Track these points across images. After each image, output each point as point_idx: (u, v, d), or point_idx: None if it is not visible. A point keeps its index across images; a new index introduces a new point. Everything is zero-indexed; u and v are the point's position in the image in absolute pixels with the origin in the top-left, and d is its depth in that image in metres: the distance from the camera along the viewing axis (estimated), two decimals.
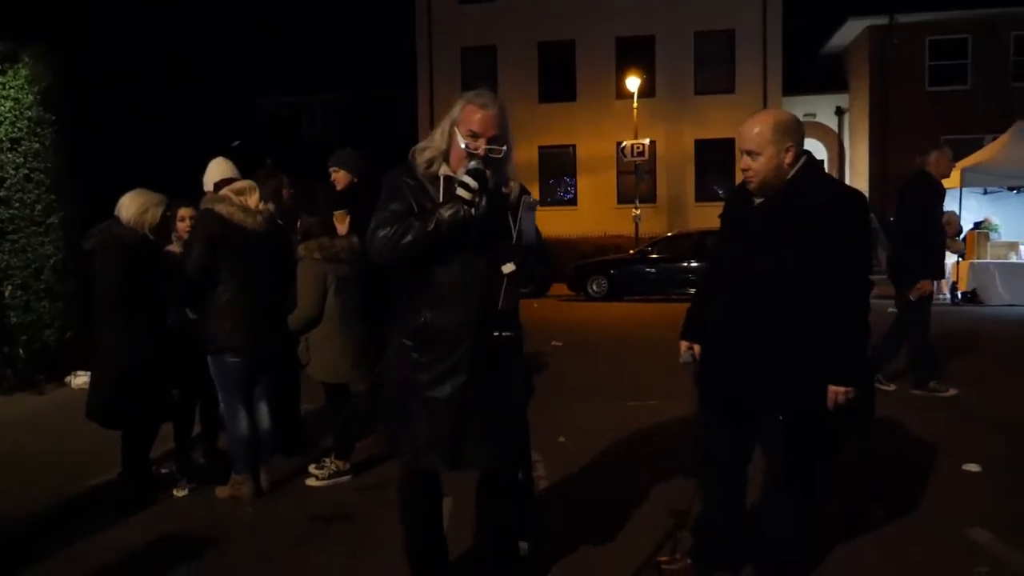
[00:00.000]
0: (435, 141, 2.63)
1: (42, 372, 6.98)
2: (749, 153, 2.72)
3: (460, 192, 2.49)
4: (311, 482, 4.39)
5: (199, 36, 24.85)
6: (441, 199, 2.55)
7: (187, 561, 3.39)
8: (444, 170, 2.61)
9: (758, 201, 2.79)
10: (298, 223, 4.76)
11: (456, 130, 2.58)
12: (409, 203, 2.56)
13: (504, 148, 2.58)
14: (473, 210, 2.50)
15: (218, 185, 4.36)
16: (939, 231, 6.31)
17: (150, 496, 4.17)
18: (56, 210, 7.15)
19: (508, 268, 2.55)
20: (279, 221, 4.38)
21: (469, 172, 2.50)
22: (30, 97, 7.04)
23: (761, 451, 2.92)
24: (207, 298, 4.04)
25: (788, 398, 2.69)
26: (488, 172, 2.53)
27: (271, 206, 4.26)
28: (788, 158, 2.69)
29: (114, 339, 4.11)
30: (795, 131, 2.71)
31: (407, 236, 2.48)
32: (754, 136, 2.70)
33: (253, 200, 4.09)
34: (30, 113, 7.03)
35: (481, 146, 2.54)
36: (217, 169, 4.66)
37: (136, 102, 20.74)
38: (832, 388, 2.63)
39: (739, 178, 3.00)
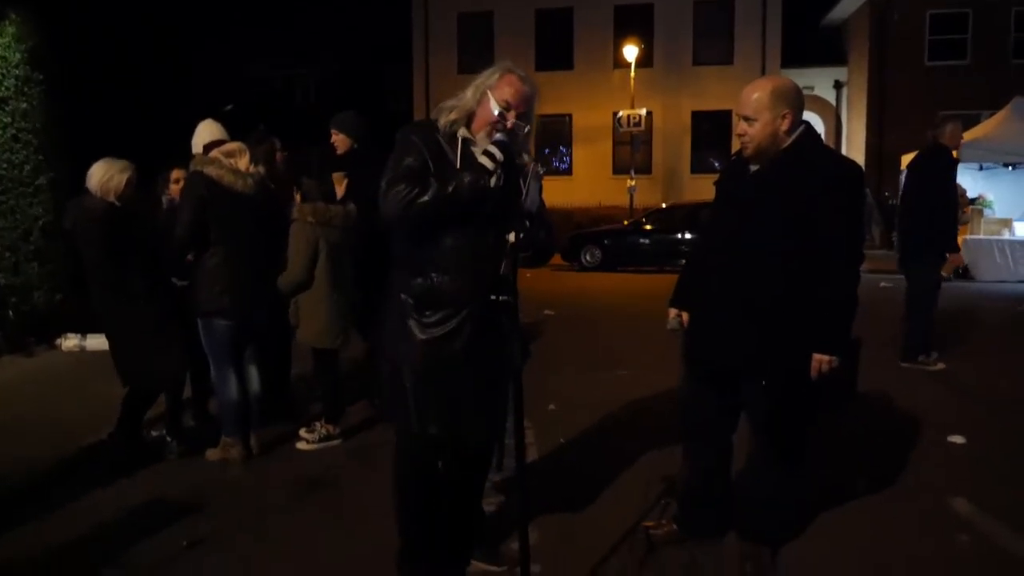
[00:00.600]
0: (465, 100, 2.58)
1: (32, 335, 6.96)
2: (746, 118, 2.71)
3: (484, 160, 2.49)
4: (301, 446, 4.41)
5: (193, 3, 24.48)
6: (458, 161, 2.53)
7: (175, 523, 3.40)
8: (464, 132, 2.58)
9: (753, 169, 2.78)
10: (294, 188, 4.71)
11: (490, 95, 2.54)
12: (424, 160, 2.52)
13: (528, 126, 2.59)
14: (493, 180, 2.48)
15: (207, 147, 4.31)
16: (956, 204, 6.27)
17: (140, 457, 4.18)
18: (45, 171, 7.08)
19: (513, 236, 2.53)
20: (271, 185, 4.34)
21: (496, 143, 2.49)
22: (17, 55, 6.93)
23: (747, 420, 2.93)
24: (197, 262, 4.02)
25: (773, 363, 2.70)
26: (526, 163, 2.54)
27: (262, 169, 4.22)
28: (784, 125, 2.68)
29: (107, 308, 4.12)
30: (793, 98, 2.70)
31: (424, 196, 2.45)
32: (752, 101, 2.70)
33: (243, 162, 4.05)
34: (17, 72, 6.93)
35: (511, 118, 2.53)
36: (207, 131, 4.61)
37: (127, 64, 20.47)
38: (816, 356, 2.65)
39: (735, 148, 3.00)
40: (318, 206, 4.41)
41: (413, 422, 2.61)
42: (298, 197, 4.53)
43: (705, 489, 3.04)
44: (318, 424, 4.49)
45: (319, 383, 4.73)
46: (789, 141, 2.70)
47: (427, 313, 2.56)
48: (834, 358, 2.64)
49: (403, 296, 2.60)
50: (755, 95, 2.70)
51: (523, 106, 2.56)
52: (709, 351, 2.87)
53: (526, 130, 2.59)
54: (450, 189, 2.46)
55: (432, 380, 2.58)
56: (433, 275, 2.55)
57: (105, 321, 4.21)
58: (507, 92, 2.54)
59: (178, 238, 3.98)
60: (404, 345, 2.59)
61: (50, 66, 7.27)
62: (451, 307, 2.55)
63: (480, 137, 2.56)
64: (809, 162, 2.69)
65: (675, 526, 3.13)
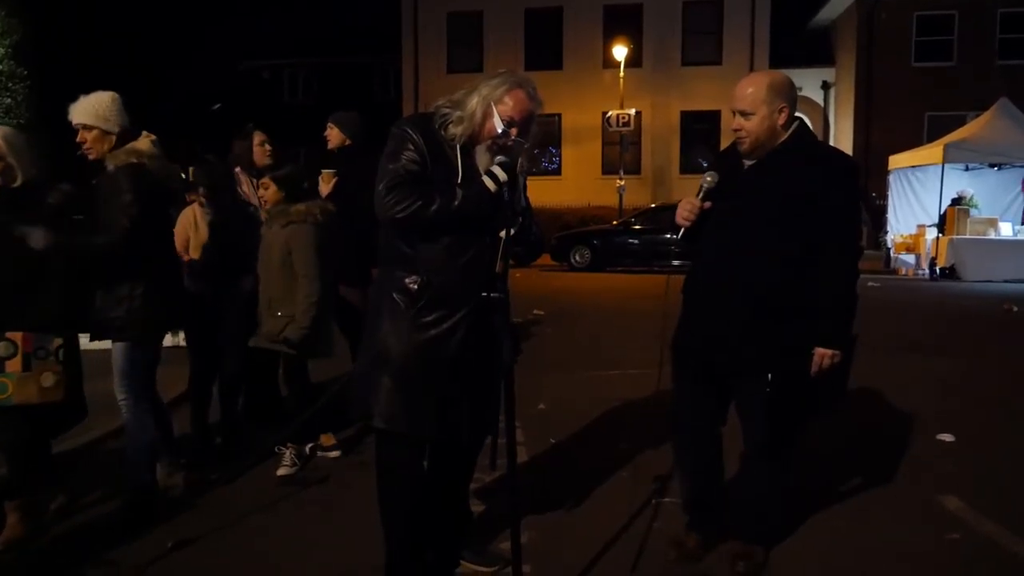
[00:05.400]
0: (469, 111, 2.52)
1: None
2: (743, 113, 2.68)
3: (487, 181, 2.47)
4: (281, 472, 3.97)
5: None
6: (459, 166, 2.51)
7: (161, 523, 3.35)
8: (465, 137, 2.53)
9: (749, 163, 2.76)
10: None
11: (495, 110, 2.50)
12: (424, 160, 2.49)
13: (527, 144, 2.58)
14: (497, 198, 2.47)
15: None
16: None
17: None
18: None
19: (504, 233, 2.52)
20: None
21: (501, 165, 2.48)
22: (1, 50, 6.85)
23: (738, 417, 2.89)
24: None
25: (773, 359, 2.67)
26: (519, 163, 2.53)
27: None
28: (781, 119, 2.66)
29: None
30: (789, 92, 2.69)
31: (427, 209, 2.43)
32: (748, 95, 2.67)
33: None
34: (1, 67, 6.85)
35: (513, 135, 2.52)
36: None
37: (113, 58, 20.32)
38: (819, 351, 2.64)
39: (725, 147, 2.96)
40: (324, 205, 4.19)
41: (403, 423, 2.56)
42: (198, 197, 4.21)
43: (697, 487, 3.01)
44: (285, 451, 4.03)
45: (291, 396, 4.21)
46: (786, 135, 2.69)
47: (422, 313, 2.52)
48: (836, 352, 2.64)
49: (396, 296, 2.55)
50: (750, 89, 2.68)
51: (527, 123, 2.56)
52: (701, 345, 2.82)
53: (526, 146, 2.58)
54: (454, 205, 2.44)
55: (426, 380, 2.54)
56: (429, 275, 2.51)
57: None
58: (513, 109, 2.51)
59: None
60: (396, 346, 2.54)
61: (34, 61, 7.19)
62: (447, 307, 2.52)
63: (480, 150, 2.54)
64: (808, 156, 2.69)
65: (695, 536, 3.03)
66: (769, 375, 2.67)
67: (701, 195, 2.76)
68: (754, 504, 2.91)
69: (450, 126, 2.53)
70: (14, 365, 3.07)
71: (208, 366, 4.26)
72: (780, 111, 2.65)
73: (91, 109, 3.36)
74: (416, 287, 2.51)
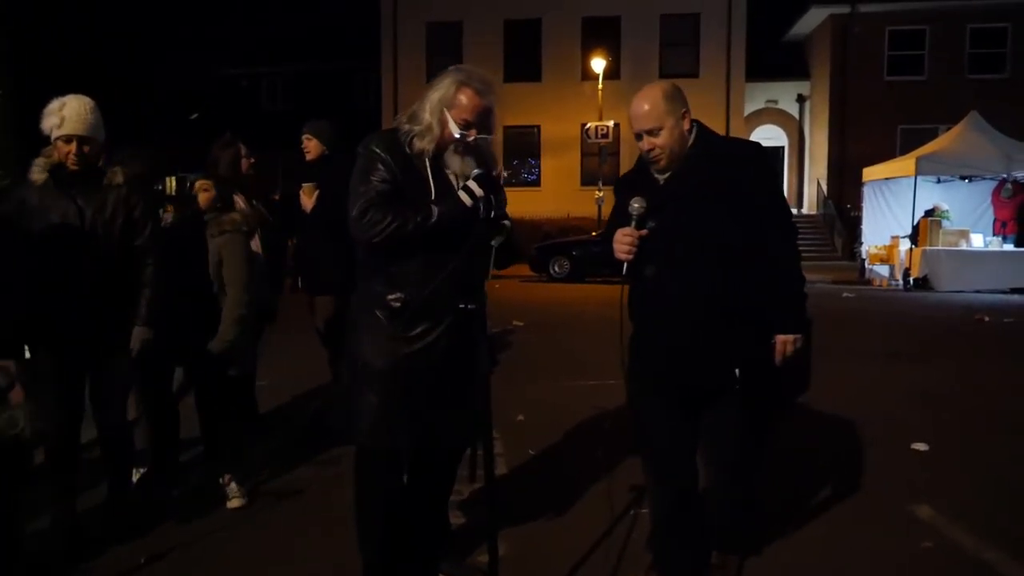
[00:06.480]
0: (426, 123, 2.50)
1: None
2: (650, 132, 2.58)
3: (463, 196, 2.47)
4: (233, 504, 3.71)
5: (157, 4, 24.19)
6: (431, 180, 2.50)
7: (135, 538, 3.30)
8: (432, 150, 2.53)
9: (663, 177, 2.66)
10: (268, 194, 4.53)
11: (449, 117, 2.49)
12: (394, 177, 2.48)
13: (491, 138, 2.57)
14: (475, 212, 2.47)
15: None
16: None
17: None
18: (3, 178, 6.91)
19: (496, 241, 2.53)
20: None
21: (477, 180, 2.48)
22: None
23: (704, 435, 2.75)
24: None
25: (741, 360, 2.60)
26: (496, 172, 2.54)
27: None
28: (686, 124, 2.61)
29: None
30: (682, 96, 2.64)
31: (405, 228, 2.42)
32: (648, 112, 2.58)
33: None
34: None
35: (472, 135, 2.50)
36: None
37: (93, 67, 20.13)
38: (781, 338, 2.62)
39: (625, 172, 2.90)
40: (259, 213, 4.12)
41: (384, 436, 2.55)
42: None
43: (678, 519, 2.82)
44: (227, 481, 3.76)
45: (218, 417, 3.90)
46: (692, 138, 2.65)
47: (405, 328, 2.51)
48: (799, 336, 2.63)
49: (378, 313, 2.54)
50: (646, 106, 2.59)
51: (485, 118, 2.53)
52: (671, 367, 2.67)
53: (490, 139, 2.57)
54: (431, 223, 2.44)
55: (410, 393, 2.53)
56: (410, 290, 2.50)
57: None
58: (465, 111, 2.49)
59: None
60: (379, 362, 2.53)
61: (14, 71, 7.10)
62: (429, 319, 2.52)
63: (449, 153, 2.53)
64: (719, 153, 2.66)
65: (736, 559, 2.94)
66: (736, 371, 2.60)
67: (634, 223, 2.59)
68: (728, 513, 2.87)
69: (415, 141, 2.52)
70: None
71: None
72: (683, 117, 2.60)
73: (95, 121, 3.12)
74: (398, 304, 2.50)
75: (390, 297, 2.51)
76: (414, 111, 2.55)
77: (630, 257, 2.59)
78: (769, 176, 2.78)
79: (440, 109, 2.50)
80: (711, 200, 2.57)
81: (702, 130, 2.68)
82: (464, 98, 2.50)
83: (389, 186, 2.47)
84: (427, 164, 2.53)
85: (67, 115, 3.07)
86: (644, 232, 2.58)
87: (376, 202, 2.45)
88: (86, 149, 3.11)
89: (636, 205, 2.57)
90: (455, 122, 2.49)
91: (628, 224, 2.60)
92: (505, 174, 2.66)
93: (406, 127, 2.55)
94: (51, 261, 3.12)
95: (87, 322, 3.14)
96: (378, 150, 2.51)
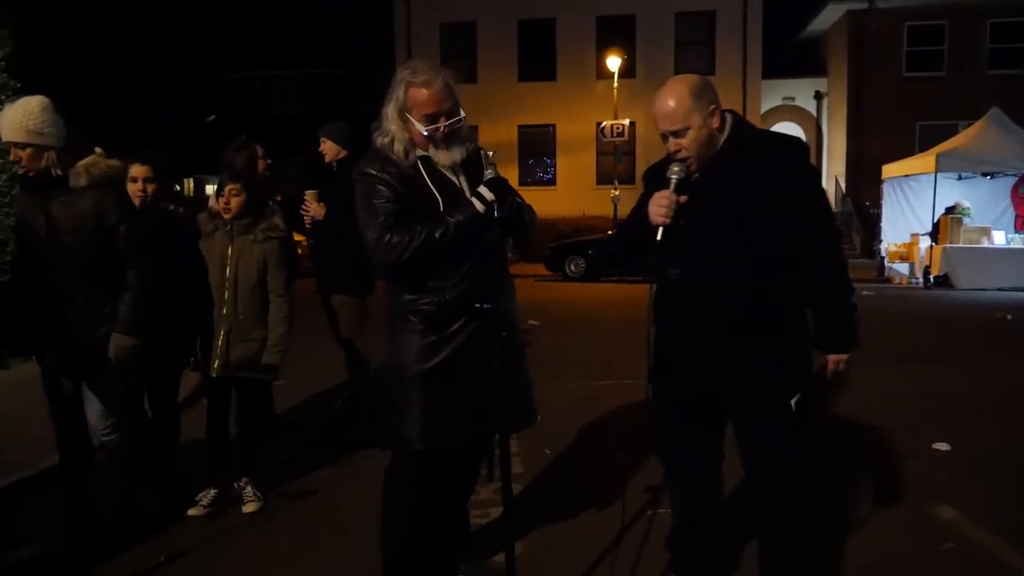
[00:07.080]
0: (394, 132, 2.51)
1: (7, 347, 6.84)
2: (675, 133, 2.38)
3: (476, 203, 2.47)
4: (249, 508, 3.70)
5: (172, 6, 24.39)
6: (429, 183, 2.50)
7: (151, 537, 3.33)
8: (419, 152, 2.53)
9: (695, 177, 2.44)
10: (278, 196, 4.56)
11: (411, 118, 2.49)
12: (397, 195, 2.48)
13: (462, 116, 2.53)
14: (488, 216, 2.46)
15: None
16: None
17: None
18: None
19: (513, 254, 2.54)
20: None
21: (487, 183, 2.48)
22: None
23: (740, 453, 2.54)
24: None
25: (773, 381, 2.39)
26: (483, 152, 2.53)
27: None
28: (715, 121, 2.39)
29: None
30: (711, 89, 2.42)
31: (426, 244, 2.42)
32: (673, 111, 2.36)
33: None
34: None
35: (442, 124, 2.48)
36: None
37: (106, 70, 20.32)
38: (833, 358, 2.42)
39: (652, 164, 2.69)
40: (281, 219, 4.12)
41: (436, 438, 2.55)
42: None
43: (696, 533, 2.69)
44: (246, 487, 3.76)
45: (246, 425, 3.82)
46: (725, 135, 2.43)
47: (439, 331, 2.52)
48: (851, 354, 2.41)
49: (412, 318, 2.54)
50: (672, 104, 2.37)
51: (445, 103, 2.49)
52: (696, 374, 2.48)
53: (462, 118, 2.53)
54: (449, 234, 2.43)
55: (453, 392, 2.54)
56: (441, 293, 2.50)
57: None
58: (424, 106, 2.48)
59: None
60: (419, 364, 2.53)
61: (26, 74, 7.15)
62: (459, 320, 2.52)
63: (432, 151, 2.53)
64: (756, 148, 2.42)
65: None
66: (793, 401, 2.40)
67: (673, 188, 2.40)
68: (777, 544, 2.52)
69: (396, 152, 2.52)
70: None
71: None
72: (712, 113, 2.37)
73: (20, 123, 2.97)
74: (430, 307, 2.50)
75: (421, 302, 2.52)
76: (381, 125, 2.55)
77: (667, 221, 2.37)
78: (811, 175, 2.51)
79: (400, 116, 2.50)
80: (744, 199, 2.35)
81: (738, 123, 2.47)
82: (416, 96, 2.48)
83: (395, 205, 2.48)
84: (421, 170, 2.53)
85: (2, 122, 3.02)
86: (683, 199, 2.38)
87: (390, 224, 2.45)
88: (23, 154, 3.00)
89: (676, 169, 2.39)
90: (418, 122, 2.48)
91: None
92: (491, 154, 2.60)
93: (380, 140, 2.55)
94: (25, 269, 3.14)
95: (64, 330, 3.10)
96: (373, 172, 2.51)
